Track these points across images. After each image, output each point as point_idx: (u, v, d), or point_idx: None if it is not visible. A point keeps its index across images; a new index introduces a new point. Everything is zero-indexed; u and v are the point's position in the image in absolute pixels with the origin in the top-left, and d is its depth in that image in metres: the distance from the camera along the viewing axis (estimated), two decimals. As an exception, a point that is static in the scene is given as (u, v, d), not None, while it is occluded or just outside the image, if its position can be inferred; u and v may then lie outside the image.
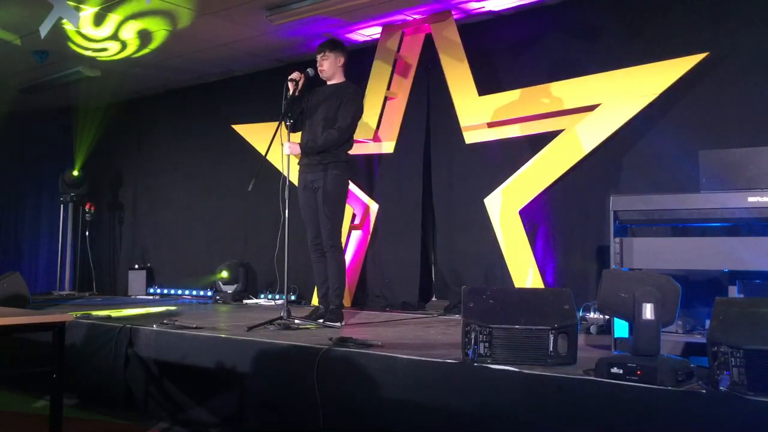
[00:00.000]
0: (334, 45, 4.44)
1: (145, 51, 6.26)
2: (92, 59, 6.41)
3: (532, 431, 2.55)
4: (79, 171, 7.97)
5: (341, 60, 4.40)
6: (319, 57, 4.40)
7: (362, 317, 4.94)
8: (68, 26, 5.30)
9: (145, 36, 5.85)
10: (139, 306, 5.82)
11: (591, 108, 4.69)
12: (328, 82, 4.45)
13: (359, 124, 4.52)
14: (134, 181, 8.12)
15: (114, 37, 5.85)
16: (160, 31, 5.69)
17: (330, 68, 4.38)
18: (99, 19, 5.44)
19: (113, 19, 5.42)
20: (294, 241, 4.30)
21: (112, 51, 6.25)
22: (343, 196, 4.40)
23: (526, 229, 4.94)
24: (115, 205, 8.23)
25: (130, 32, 5.74)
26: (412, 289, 5.57)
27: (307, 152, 4.33)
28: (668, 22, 4.57)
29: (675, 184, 4.27)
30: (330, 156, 4.29)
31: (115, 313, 4.92)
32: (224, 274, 6.53)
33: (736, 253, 3.08)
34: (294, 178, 4.46)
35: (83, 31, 5.66)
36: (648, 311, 2.46)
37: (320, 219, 4.31)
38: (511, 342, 2.76)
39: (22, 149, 8.45)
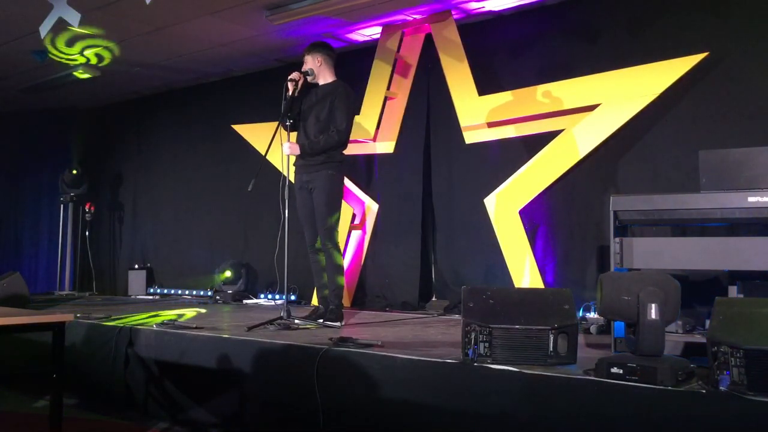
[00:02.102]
0: (312, 46, 4.46)
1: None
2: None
3: (532, 431, 2.55)
4: (78, 171, 7.96)
5: (319, 59, 4.40)
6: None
7: (362, 317, 4.94)
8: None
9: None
10: (145, 308, 5.82)
11: (591, 108, 4.69)
12: (319, 83, 4.45)
13: (359, 123, 4.52)
14: (134, 181, 8.12)
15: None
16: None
17: (311, 68, 4.40)
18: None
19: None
20: (294, 241, 4.30)
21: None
22: (339, 195, 4.40)
23: (526, 229, 4.94)
24: (115, 205, 8.23)
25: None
26: (412, 289, 5.57)
27: (306, 154, 4.33)
28: (668, 22, 4.57)
29: (675, 184, 4.28)
30: (324, 156, 4.29)
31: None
32: (227, 273, 6.53)
33: (736, 253, 3.08)
34: (294, 178, 4.46)
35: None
36: (653, 311, 2.46)
37: (317, 219, 4.32)
38: (511, 342, 2.76)
39: (22, 149, 8.45)
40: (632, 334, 2.55)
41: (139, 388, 3.94)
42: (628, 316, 2.53)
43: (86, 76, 6.77)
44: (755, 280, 3.31)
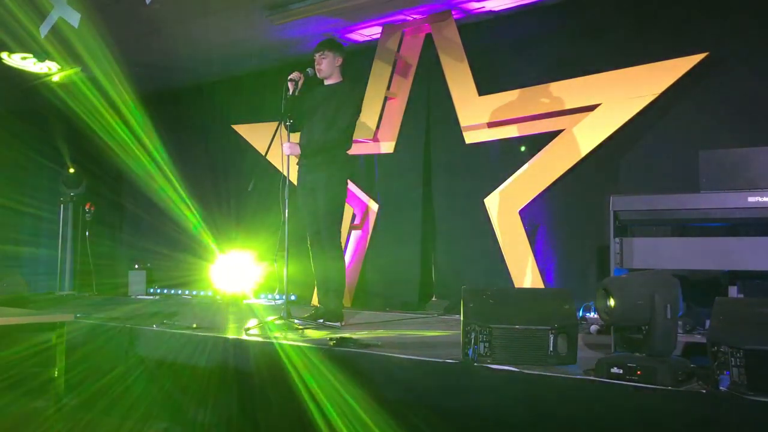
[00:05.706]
0: (333, 45, 4.44)
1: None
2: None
3: (531, 431, 2.55)
4: (77, 170, 7.96)
5: (339, 60, 4.40)
6: (317, 56, 4.40)
7: (362, 317, 4.93)
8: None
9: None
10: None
11: (591, 108, 4.69)
12: (326, 82, 4.45)
13: (359, 123, 4.51)
14: (134, 180, 8.10)
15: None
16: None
17: (328, 68, 4.38)
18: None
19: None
20: (294, 241, 4.30)
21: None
22: (342, 196, 4.40)
23: (526, 229, 4.94)
24: (115, 205, 8.22)
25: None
26: (412, 289, 5.57)
27: (307, 153, 4.33)
28: (668, 22, 4.56)
29: (675, 184, 4.27)
30: (328, 156, 4.29)
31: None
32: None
33: (736, 253, 3.08)
34: (294, 178, 4.46)
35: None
36: (668, 311, 2.46)
37: (319, 219, 4.31)
38: (511, 342, 2.76)
39: (21, 149, 8.45)
40: (640, 334, 2.54)
41: (139, 388, 3.94)
42: (641, 319, 2.52)
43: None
44: (755, 280, 3.31)
